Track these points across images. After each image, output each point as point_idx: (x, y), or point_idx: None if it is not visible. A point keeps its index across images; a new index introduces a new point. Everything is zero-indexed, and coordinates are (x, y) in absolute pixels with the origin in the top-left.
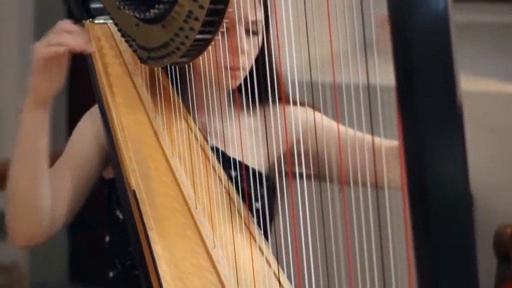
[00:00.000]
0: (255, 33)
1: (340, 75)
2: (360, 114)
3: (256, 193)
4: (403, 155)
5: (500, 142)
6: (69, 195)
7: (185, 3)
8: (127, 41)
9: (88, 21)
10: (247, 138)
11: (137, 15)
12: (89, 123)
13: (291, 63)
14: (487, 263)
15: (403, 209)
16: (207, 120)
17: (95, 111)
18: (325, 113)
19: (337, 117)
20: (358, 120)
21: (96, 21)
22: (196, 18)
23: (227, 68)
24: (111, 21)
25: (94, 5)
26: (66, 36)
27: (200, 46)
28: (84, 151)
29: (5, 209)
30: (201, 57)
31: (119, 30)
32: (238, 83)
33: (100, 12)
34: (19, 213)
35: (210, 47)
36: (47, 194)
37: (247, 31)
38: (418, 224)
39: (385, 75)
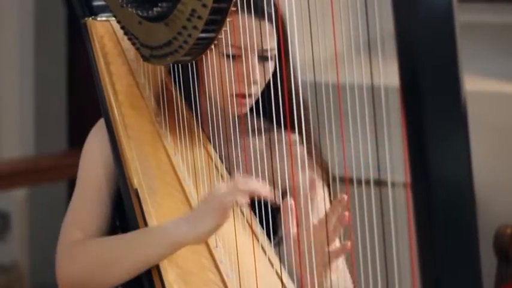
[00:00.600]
0: (268, 59)
1: (343, 76)
2: (363, 114)
3: (260, 214)
4: (407, 154)
5: (500, 142)
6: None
7: (188, 1)
8: (130, 39)
9: (90, 18)
10: (252, 161)
11: (140, 13)
12: (97, 151)
13: (294, 62)
14: (487, 263)
15: (406, 209)
16: (211, 142)
17: (98, 134)
18: (328, 114)
19: (341, 117)
20: (361, 121)
21: (98, 19)
22: (199, 17)
23: (233, 95)
24: (113, 18)
25: (97, 3)
26: (252, 185)
27: (203, 45)
28: (102, 182)
29: (4, 209)
30: (206, 80)
31: (122, 28)
32: (245, 111)
33: (102, 10)
34: (102, 281)
35: (219, 72)
36: None
37: (259, 57)
38: (422, 224)
39: (389, 75)
